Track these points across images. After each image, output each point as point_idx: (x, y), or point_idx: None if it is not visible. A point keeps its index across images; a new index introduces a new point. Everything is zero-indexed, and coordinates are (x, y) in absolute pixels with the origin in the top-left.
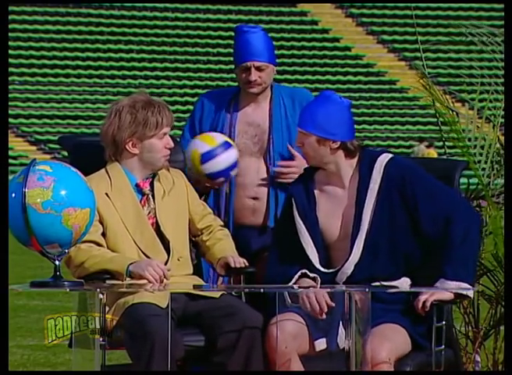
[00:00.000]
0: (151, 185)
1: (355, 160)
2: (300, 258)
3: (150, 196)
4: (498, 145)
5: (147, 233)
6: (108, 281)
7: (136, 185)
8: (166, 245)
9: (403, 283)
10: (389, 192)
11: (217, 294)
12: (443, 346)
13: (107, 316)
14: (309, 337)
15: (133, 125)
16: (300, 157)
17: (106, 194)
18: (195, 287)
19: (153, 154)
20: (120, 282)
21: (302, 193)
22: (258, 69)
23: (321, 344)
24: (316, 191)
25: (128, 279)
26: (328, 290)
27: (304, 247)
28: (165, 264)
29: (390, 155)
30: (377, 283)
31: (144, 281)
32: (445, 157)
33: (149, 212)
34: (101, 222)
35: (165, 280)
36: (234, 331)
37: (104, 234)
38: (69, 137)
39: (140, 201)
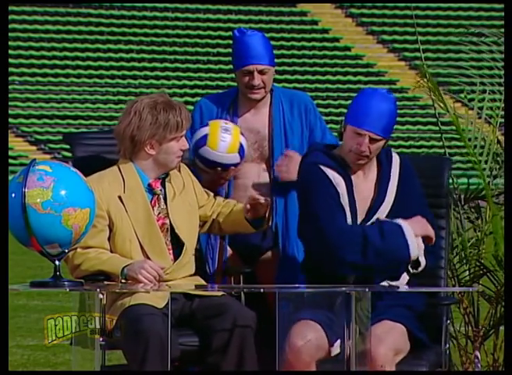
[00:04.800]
0: (163, 185)
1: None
2: None
3: (161, 196)
4: (500, 144)
5: (155, 238)
6: (106, 282)
7: (148, 185)
8: (179, 247)
9: (403, 281)
10: (404, 187)
11: (218, 294)
12: (448, 345)
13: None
14: (328, 342)
15: (154, 127)
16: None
17: (119, 197)
18: (197, 287)
19: (168, 156)
20: (117, 283)
21: (341, 169)
22: (261, 72)
23: (336, 348)
24: (353, 178)
25: (123, 281)
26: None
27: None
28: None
29: (398, 154)
30: (384, 284)
31: (141, 284)
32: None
33: (159, 213)
34: (109, 226)
35: (162, 281)
36: (225, 330)
37: (110, 238)
38: (74, 134)
39: (151, 202)
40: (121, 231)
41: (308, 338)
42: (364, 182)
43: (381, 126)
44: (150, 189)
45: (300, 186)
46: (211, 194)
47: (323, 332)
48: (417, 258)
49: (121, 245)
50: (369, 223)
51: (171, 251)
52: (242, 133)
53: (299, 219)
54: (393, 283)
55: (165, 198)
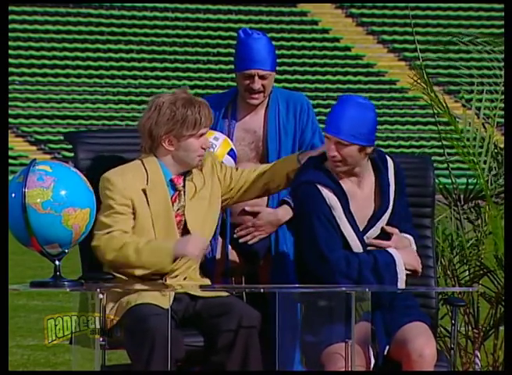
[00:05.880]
0: (184, 182)
1: (369, 161)
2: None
3: (182, 193)
4: (497, 145)
5: (170, 234)
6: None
7: (171, 180)
8: None
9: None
10: (399, 191)
11: (220, 293)
12: (454, 346)
13: (108, 315)
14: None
15: (171, 122)
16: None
17: (143, 190)
18: (201, 287)
19: (188, 153)
20: (119, 283)
21: (336, 188)
22: (262, 77)
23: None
24: (344, 188)
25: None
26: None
27: (348, 241)
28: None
29: (390, 157)
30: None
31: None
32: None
33: (178, 209)
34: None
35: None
36: (230, 329)
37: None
38: (76, 133)
39: (172, 197)
40: (141, 221)
41: (339, 365)
42: (362, 190)
43: (346, 131)
44: (172, 184)
45: (299, 206)
46: (237, 169)
47: (358, 347)
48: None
49: (139, 235)
50: (373, 230)
51: None
52: (230, 153)
53: (296, 234)
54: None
55: (185, 195)
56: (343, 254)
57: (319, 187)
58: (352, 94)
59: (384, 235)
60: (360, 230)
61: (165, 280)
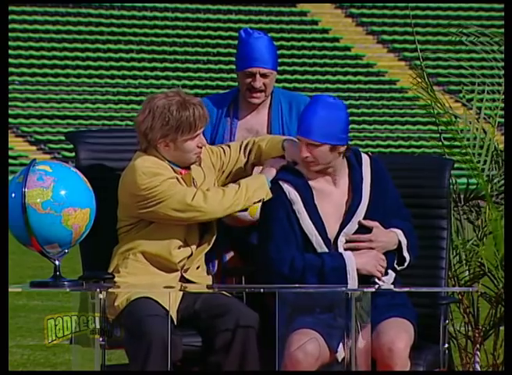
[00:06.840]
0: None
1: (345, 159)
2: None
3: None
4: (497, 145)
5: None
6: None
7: (180, 173)
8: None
9: (390, 279)
10: (377, 186)
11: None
12: (447, 345)
13: (113, 304)
14: (329, 350)
15: (166, 128)
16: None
17: (177, 178)
18: (208, 286)
19: (185, 154)
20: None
21: (299, 182)
22: (263, 75)
23: (341, 353)
24: (311, 184)
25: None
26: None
27: (308, 236)
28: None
29: (366, 154)
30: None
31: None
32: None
33: None
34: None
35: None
36: (228, 330)
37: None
38: (77, 132)
39: None
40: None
41: (308, 350)
42: (337, 188)
43: (316, 131)
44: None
45: (263, 203)
46: (225, 149)
47: (323, 341)
48: (402, 253)
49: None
50: (349, 225)
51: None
52: None
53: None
54: (383, 278)
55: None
56: (289, 256)
57: (280, 183)
58: (351, 94)
59: (365, 231)
60: (337, 226)
61: (184, 271)
